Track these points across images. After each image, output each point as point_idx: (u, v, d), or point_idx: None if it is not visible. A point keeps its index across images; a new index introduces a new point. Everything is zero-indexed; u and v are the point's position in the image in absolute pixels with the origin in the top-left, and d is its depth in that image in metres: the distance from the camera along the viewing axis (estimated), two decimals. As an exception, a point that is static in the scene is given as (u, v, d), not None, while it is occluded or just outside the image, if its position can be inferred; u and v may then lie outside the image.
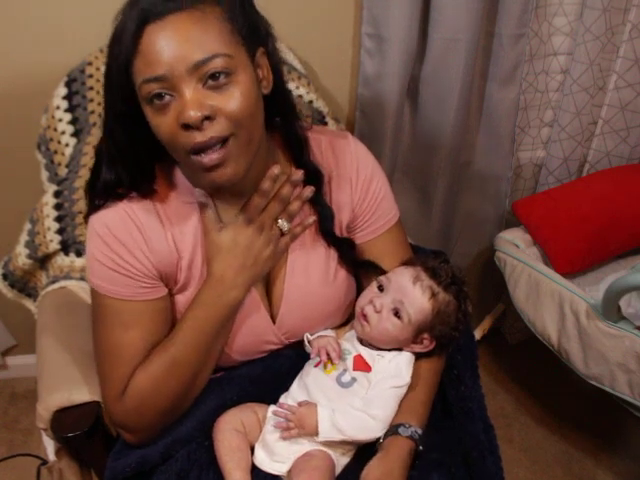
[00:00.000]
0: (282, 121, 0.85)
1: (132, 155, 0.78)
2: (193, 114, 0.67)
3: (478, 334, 1.80)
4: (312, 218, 0.86)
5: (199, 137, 0.69)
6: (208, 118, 0.69)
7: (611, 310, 1.22)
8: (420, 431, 0.81)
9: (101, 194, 0.81)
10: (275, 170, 0.79)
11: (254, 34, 0.75)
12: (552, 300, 1.37)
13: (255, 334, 0.88)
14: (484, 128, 1.55)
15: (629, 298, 1.42)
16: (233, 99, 0.70)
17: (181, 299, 0.86)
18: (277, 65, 0.80)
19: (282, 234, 0.84)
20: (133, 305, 0.81)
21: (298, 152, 0.87)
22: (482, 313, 1.83)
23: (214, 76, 0.69)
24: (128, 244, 0.80)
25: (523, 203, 1.59)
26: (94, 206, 0.81)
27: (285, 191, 0.82)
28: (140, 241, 0.80)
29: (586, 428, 1.63)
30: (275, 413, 0.81)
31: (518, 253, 1.50)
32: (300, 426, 0.78)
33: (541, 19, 1.48)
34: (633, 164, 1.65)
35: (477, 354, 1.02)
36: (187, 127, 0.69)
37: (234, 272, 0.81)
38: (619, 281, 1.16)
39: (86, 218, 0.83)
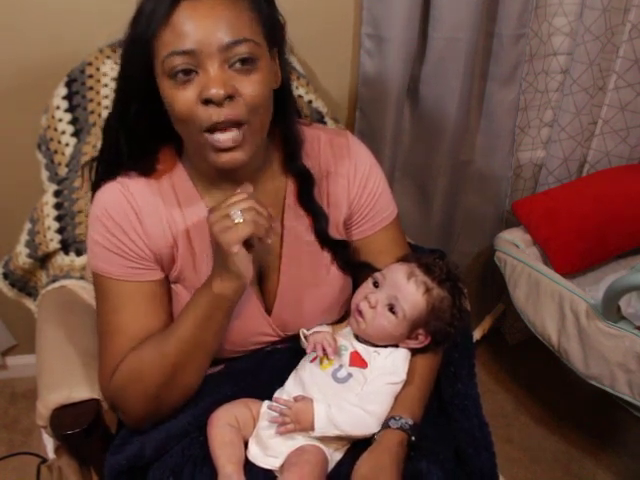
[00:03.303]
0: (282, 121, 0.86)
1: (136, 129, 0.80)
2: (216, 91, 0.69)
3: (478, 334, 1.80)
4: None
5: (215, 116, 0.71)
6: (229, 97, 0.71)
7: (611, 310, 1.22)
8: (411, 422, 0.82)
9: (104, 169, 0.84)
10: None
11: (274, 32, 0.78)
12: (552, 300, 1.37)
13: (249, 325, 0.89)
14: (484, 128, 1.56)
15: (629, 298, 1.42)
16: (254, 84, 0.72)
17: (181, 289, 0.87)
18: (286, 68, 0.83)
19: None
20: (124, 286, 0.83)
21: (292, 153, 0.88)
22: (482, 313, 1.83)
23: (241, 60, 0.71)
24: (123, 225, 0.82)
25: (523, 203, 1.59)
26: (97, 182, 0.84)
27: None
28: (135, 222, 0.83)
29: (586, 428, 1.63)
30: (271, 408, 0.81)
31: (518, 253, 1.51)
32: (296, 421, 0.78)
33: (541, 19, 1.48)
34: (633, 164, 1.66)
35: (474, 352, 1.02)
36: (207, 102, 0.70)
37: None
38: (619, 281, 1.16)
39: (92, 193, 0.86)
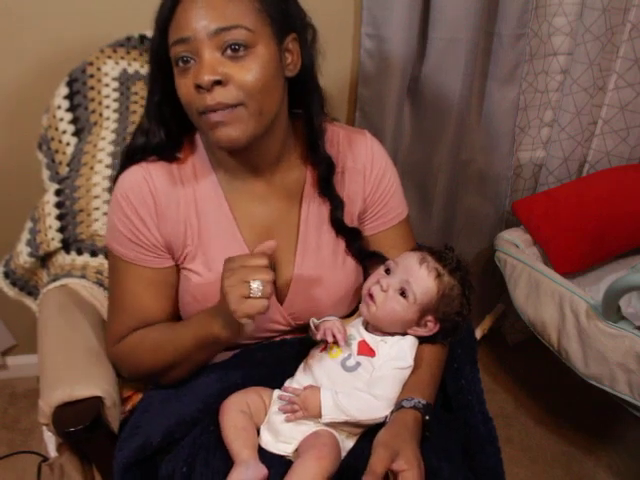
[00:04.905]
0: (305, 109, 0.89)
1: (164, 113, 0.84)
2: (206, 78, 0.74)
3: (478, 334, 1.80)
4: None
5: (208, 100, 0.75)
6: (219, 83, 0.74)
7: (611, 310, 1.22)
8: (424, 401, 0.82)
9: (132, 153, 0.88)
10: None
11: (286, 19, 0.81)
12: (552, 300, 1.37)
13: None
14: (484, 128, 1.56)
15: (629, 298, 1.42)
16: (247, 71, 0.75)
17: (190, 274, 0.90)
18: (310, 55, 0.86)
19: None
20: (133, 269, 0.89)
21: (315, 141, 0.90)
22: (482, 313, 1.83)
23: (233, 47, 0.75)
24: (140, 210, 0.87)
25: (523, 203, 1.59)
26: (123, 165, 0.89)
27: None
28: (151, 207, 0.87)
29: (586, 428, 1.63)
30: (280, 397, 0.83)
31: (518, 253, 1.51)
32: (304, 408, 0.79)
33: (541, 19, 1.48)
34: (633, 164, 1.66)
35: (477, 348, 1.03)
36: (199, 88, 0.75)
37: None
38: (619, 281, 1.16)
39: (115, 178, 0.91)
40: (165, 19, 0.77)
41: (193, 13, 0.74)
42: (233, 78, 0.75)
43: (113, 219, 0.89)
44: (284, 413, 0.81)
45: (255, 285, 0.73)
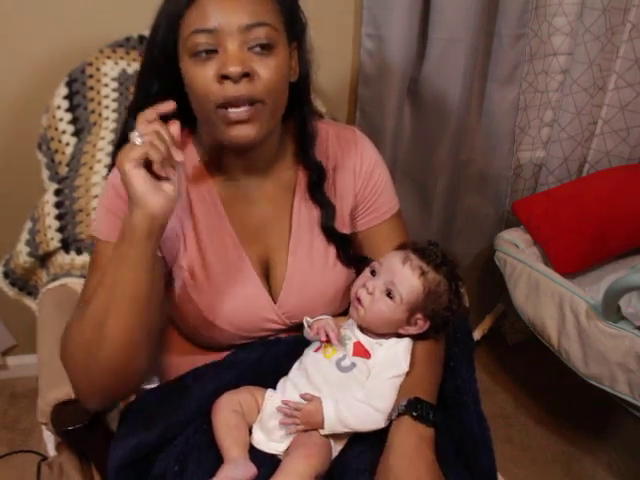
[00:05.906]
0: (298, 114, 0.89)
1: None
2: (234, 69, 0.72)
3: (478, 334, 1.80)
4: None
5: (232, 91, 0.73)
6: (247, 76, 0.74)
7: (611, 310, 1.22)
8: (405, 402, 0.81)
9: (120, 144, 0.85)
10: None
11: (293, 25, 0.81)
12: (552, 300, 1.37)
13: (255, 311, 0.90)
14: (484, 128, 1.56)
15: (629, 298, 1.42)
16: (271, 68, 0.75)
17: (183, 271, 0.88)
18: (306, 64, 0.86)
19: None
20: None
21: (305, 146, 0.90)
22: (482, 313, 1.83)
23: (260, 43, 0.75)
24: None
25: (523, 203, 1.59)
26: (112, 163, 0.86)
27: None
28: None
29: (585, 428, 1.63)
30: (280, 410, 0.82)
31: (518, 253, 1.51)
32: (306, 422, 0.79)
33: (541, 19, 1.48)
34: (633, 164, 1.66)
35: (474, 347, 1.03)
36: (225, 78, 0.73)
37: None
38: (619, 281, 1.16)
39: (110, 168, 0.89)
40: (182, 7, 0.75)
41: (221, 5, 0.73)
42: (259, 73, 0.75)
43: (103, 202, 0.86)
44: (278, 414, 0.80)
45: (132, 134, 0.71)
